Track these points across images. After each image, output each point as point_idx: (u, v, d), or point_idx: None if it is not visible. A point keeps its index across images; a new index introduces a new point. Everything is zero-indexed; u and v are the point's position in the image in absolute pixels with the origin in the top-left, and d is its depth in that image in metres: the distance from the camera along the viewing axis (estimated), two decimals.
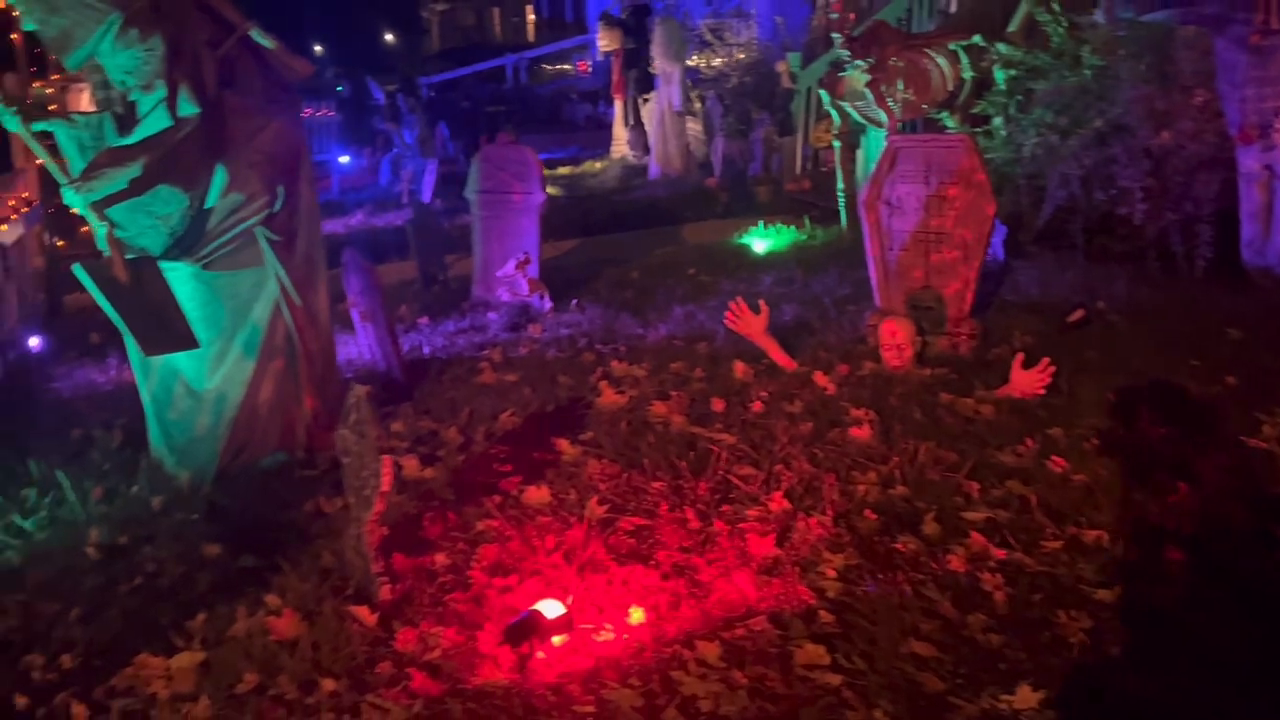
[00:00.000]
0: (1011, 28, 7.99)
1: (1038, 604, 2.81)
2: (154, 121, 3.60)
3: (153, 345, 3.63)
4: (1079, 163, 6.52)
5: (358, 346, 5.30)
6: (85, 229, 7.64)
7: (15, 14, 6.99)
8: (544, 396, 4.79)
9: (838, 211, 8.63)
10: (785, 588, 2.98)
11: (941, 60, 6.98)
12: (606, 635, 2.79)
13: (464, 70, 24.88)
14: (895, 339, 4.70)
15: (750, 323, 4.91)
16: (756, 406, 4.45)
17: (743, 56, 12.26)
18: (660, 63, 11.13)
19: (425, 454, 4.15)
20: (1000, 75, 7.18)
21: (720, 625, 2.81)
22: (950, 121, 7.45)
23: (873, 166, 8.27)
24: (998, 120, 7.25)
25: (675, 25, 11.46)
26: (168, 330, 3.63)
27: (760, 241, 7.68)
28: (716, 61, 14.53)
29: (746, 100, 11.16)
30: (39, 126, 3.72)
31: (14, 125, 3.70)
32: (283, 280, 3.94)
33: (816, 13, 12.81)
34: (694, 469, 3.84)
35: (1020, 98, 7.23)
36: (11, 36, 6.83)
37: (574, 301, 6.29)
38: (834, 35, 6.73)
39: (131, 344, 3.97)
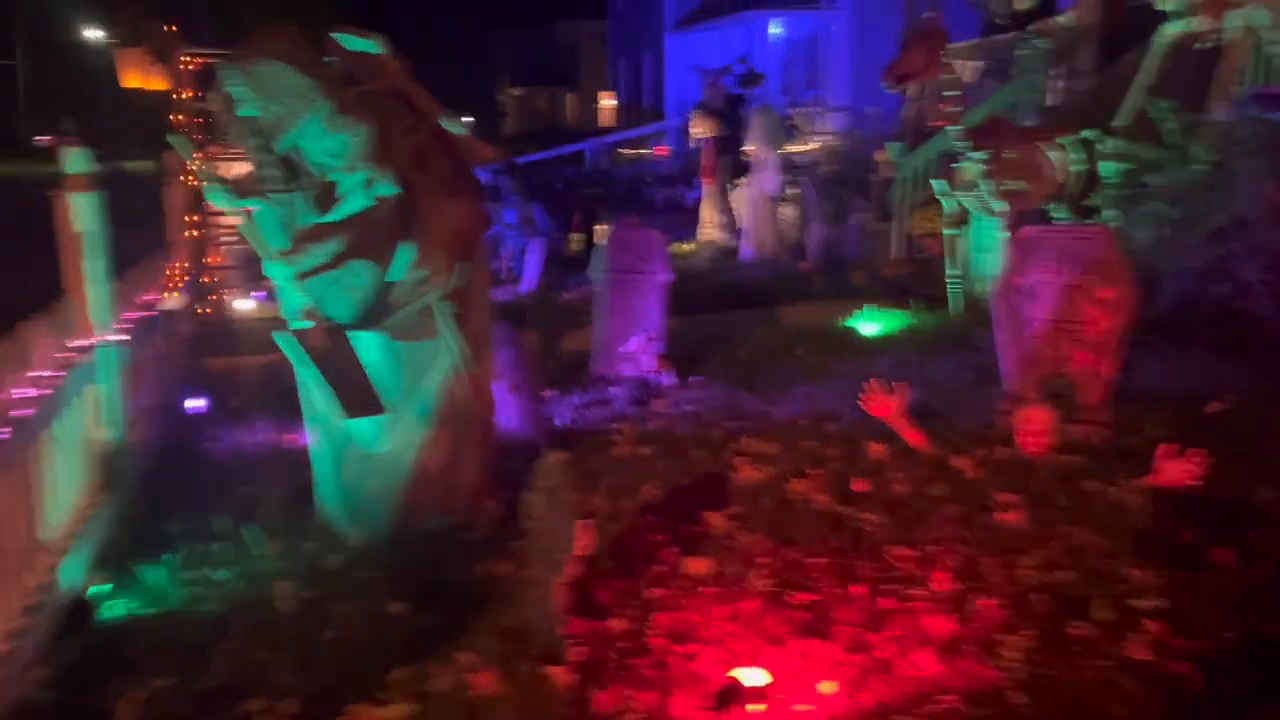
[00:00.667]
0: (1120, 121, 8.12)
1: (1234, 696, 2.84)
2: (354, 200, 3.86)
3: (352, 409, 3.84)
4: (1196, 256, 6.59)
5: (500, 416, 5.47)
6: (216, 297, 8.01)
7: (182, 95, 7.51)
8: (681, 470, 4.91)
9: (939, 296, 8.76)
10: (968, 667, 3.04)
11: (1053, 153, 7.13)
12: (803, 707, 2.86)
13: (547, 153, 25.55)
14: (1034, 425, 4.76)
15: (885, 404, 5.01)
16: (898, 487, 4.54)
17: (830, 143, 12.55)
18: (758, 149, 11.43)
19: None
20: (1111, 168, 7.30)
21: (912, 701, 2.87)
22: (1060, 213, 7.57)
23: (979, 254, 8.44)
24: (1108, 213, 7.36)
25: (774, 114, 11.80)
26: (362, 395, 3.84)
27: (867, 324, 7.80)
28: (799, 148, 14.85)
29: (839, 186, 11.39)
30: (240, 203, 4.00)
31: (223, 201, 3.98)
32: (457, 351, 4.14)
33: (907, 104, 13.08)
34: (849, 547, 3.93)
35: (1128, 191, 7.34)
36: (176, 117, 7.28)
37: (693, 378, 6.44)
38: (950, 128, 6.91)
39: (309, 407, 4.20)
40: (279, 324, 3.98)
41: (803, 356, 7.10)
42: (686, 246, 13.54)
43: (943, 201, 7.43)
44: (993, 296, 5.20)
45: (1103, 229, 5.02)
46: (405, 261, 3.99)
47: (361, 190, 3.85)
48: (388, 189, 3.88)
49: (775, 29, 24.75)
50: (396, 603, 3.55)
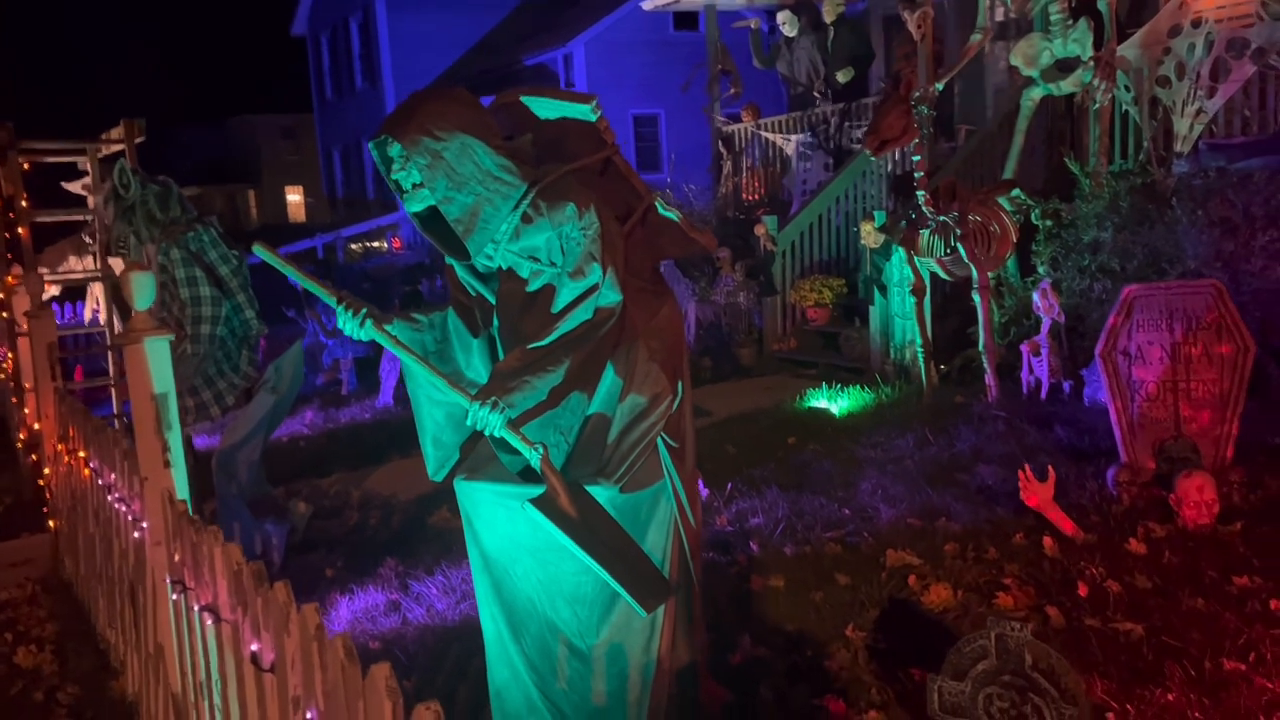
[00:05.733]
0: (1007, 177, 8.29)
1: None
2: (579, 314, 2.84)
3: (644, 597, 2.74)
4: None
5: None
6: None
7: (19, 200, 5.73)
8: (850, 601, 4.14)
9: (846, 369, 8.54)
10: None
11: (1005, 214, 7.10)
12: None
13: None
14: (1203, 495, 4.44)
15: (1038, 491, 4.52)
16: (1112, 585, 4.04)
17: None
18: None
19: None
20: (1041, 224, 7.41)
21: None
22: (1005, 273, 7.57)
23: (885, 323, 8.30)
24: (1042, 268, 7.45)
25: None
26: (646, 576, 2.77)
27: (830, 404, 7.36)
28: None
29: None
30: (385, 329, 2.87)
31: (368, 333, 2.83)
32: (680, 495, 3.15)
33: (723, 180, 13.13)
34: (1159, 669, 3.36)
35: (1058, 245, 7.48)
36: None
37: (730, 485, 5.66)
38: (919, 192, 6.67)
39: (486, 595, 3.06)
40: None
41: (799, 445, 6.50)
42: None
43: (907, 270, 7.17)
44: (1098, 360, 4.90)
45: (1213, 281, 4.86)
46: (613, 387, 2.99)
47: (587, 300, 2.85)
48: (610, 297, 2.90)
49: None
50: None
